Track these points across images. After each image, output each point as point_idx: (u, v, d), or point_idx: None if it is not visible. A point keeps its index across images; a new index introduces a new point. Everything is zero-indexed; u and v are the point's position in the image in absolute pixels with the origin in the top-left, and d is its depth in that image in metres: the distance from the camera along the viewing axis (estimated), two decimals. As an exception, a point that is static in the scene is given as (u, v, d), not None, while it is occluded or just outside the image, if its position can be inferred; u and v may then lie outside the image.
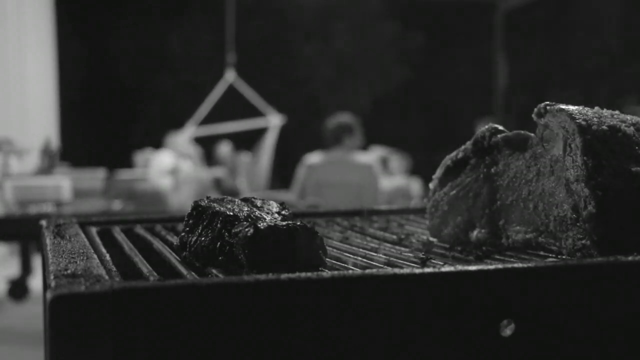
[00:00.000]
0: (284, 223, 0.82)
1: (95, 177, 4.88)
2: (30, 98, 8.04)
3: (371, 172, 4.84)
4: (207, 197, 0.97)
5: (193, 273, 0.83)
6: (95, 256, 0.86)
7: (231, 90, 8.14)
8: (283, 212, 0.92)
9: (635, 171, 0.90)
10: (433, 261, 0.93)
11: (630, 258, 0.81)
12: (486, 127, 1.10)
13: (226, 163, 8.18)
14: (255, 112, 8.42)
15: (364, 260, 0.94)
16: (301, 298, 0.69)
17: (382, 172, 5.68)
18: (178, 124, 8.00)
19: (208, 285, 0.68)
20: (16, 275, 5.16)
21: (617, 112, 0.97)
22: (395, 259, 0.94)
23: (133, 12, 10.09)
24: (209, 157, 8.32)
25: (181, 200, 4.89)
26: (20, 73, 7.92)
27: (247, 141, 8.66)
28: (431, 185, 1.17)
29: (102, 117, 9.89)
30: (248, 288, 0.67)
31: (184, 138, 7.02)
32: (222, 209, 0.90)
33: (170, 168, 5.88)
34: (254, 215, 0.88)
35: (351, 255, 0.97)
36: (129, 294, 0.64)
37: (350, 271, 0.77)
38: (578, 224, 0.91)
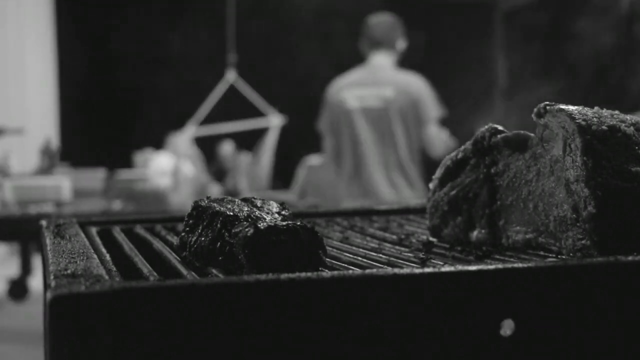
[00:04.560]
0: (284, 223, 0.82)
1: (95, 177, 4.88)
2: (30, 98, 8.05)
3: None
4: (207, 197, 0.96)
5: (193, 273, 0.83)
6: (95, 256, 0.86)
7: (232, 91, 8.14)
8: (283, 212, 0.92)
9: (635, 171, 0.90)
10: (433, 261, 0.93)
11: (630, 258, 0.81)
12: (486, 127, 1.10)
13: (228, 162, 8.18)
14: (256, 112, 8.41)
15: (364, 260, 0.94)
16: (301, 298, 0.69)
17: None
18: (178, 124, 7.99)
19: (208, 285, 0.68)
20: (16, 275, 5.16)
21: (616, 112, 0.97)
22: (395, 259, 0.94)
23: (133, 12, 10.06)
24: (210, 157, 8.31)
25: (181, 200, 4.89)
26: (20, 73, 7.93)
27: (247, 141, 8.64)
28: (431, 185, 1.17)
29: (102, 117, 9.87)
30: (248, 288, 0.67)
31: (184, 139, 7.01)
32: (222, 209, 0.90)
33: (171, 169, 5.87)
34: (254, 215, 0.87)
35: (351, 255, 0.97)
36: (129, 294, 0.64)
37: (350, 271, 0.77)
38: (578, 224, 0.91)
